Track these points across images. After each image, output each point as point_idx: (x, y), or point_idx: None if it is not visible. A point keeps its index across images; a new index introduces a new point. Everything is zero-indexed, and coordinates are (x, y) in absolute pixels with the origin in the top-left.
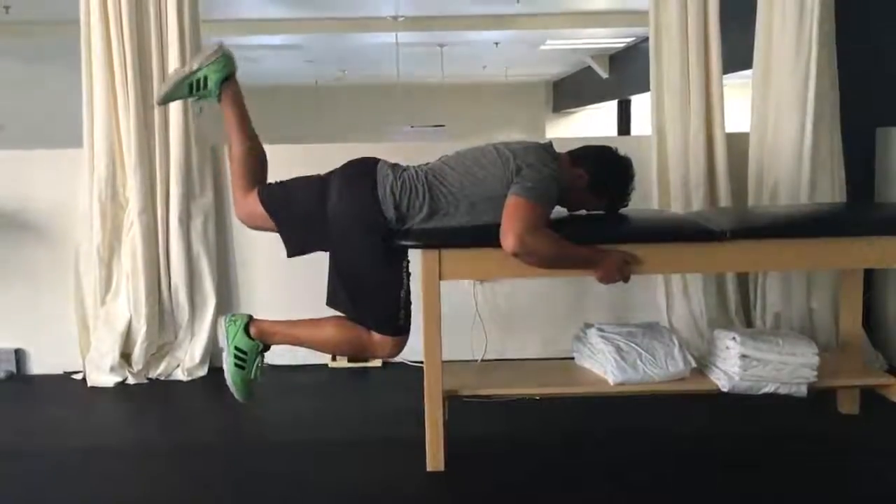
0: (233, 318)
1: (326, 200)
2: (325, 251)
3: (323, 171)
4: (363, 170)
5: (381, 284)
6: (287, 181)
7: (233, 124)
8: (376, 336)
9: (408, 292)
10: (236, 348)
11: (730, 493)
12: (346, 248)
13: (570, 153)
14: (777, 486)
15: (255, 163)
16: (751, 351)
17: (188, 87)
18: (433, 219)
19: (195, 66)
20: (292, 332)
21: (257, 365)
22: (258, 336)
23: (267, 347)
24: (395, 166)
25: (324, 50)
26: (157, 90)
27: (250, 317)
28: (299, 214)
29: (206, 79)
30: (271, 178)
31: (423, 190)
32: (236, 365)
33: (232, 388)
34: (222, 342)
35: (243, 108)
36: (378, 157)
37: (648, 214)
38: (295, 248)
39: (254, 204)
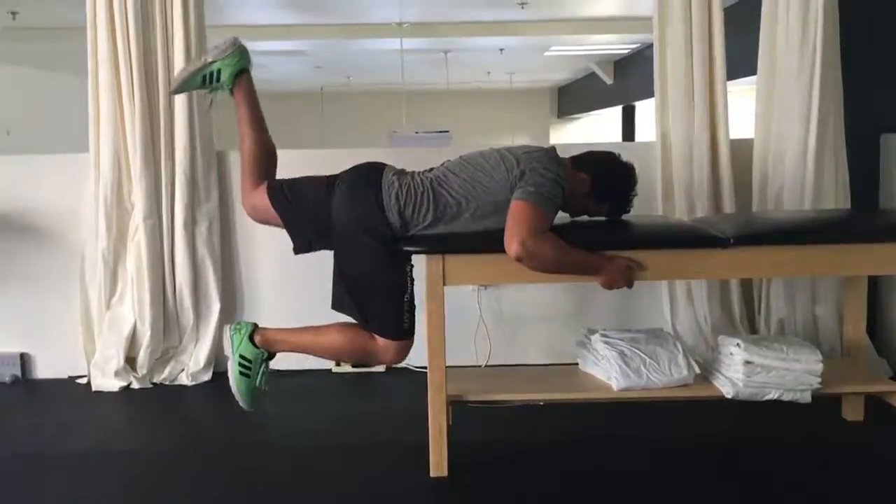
0: (237, 327)
1: (332, 201)
2: (331, 250)
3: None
4: (369, 176)
5: (385, 288)
6: (296, 179)
7: (244, 119)
8: (380, 341)
9: (412, 296)
10: (241, 357)
11: (733, 500)
12: (349, 251)
13: (573, 158)
14: (780, 493)
15: (266, 157)
16: (755, 357)
17: (201, 79)
18: (438, 225)
19: (209, 59)
20: (296, 340)
21: (262, 373)
22: (263, 344)
23: (272, 356)
24: (401, 173)
25: (330, 56)
26: (173, 80)
27: (255, 325)
28: (307, 212)
29: (219, 72)
30: None
31: (427, 198)
32: (241, 373)
33: (237, 397)
34: (227, 351)
35: (256, 104)
36: (385, 162)
37: (652, 220)
38: (302, 244)
39: (261, 198)
